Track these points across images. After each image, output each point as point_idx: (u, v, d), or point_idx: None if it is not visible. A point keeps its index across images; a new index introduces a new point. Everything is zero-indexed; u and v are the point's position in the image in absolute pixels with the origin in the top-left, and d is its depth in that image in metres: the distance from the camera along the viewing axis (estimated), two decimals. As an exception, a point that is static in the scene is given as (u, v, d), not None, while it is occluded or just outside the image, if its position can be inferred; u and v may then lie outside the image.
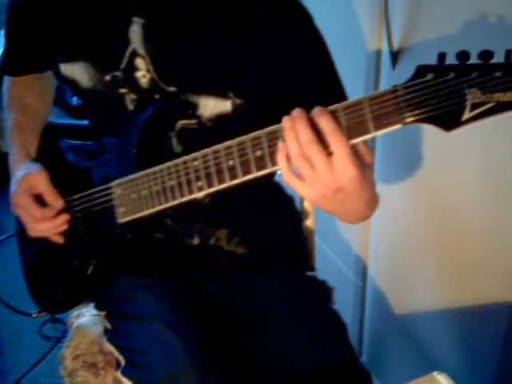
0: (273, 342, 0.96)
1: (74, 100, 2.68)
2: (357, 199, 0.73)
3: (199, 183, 0.80)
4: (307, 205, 1.21)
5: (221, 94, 0.89)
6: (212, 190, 0.79)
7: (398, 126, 0.66)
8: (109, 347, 0.98)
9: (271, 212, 1.08)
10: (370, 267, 1.57)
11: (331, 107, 0.69)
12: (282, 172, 0.71)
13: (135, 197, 0.88)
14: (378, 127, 0.67)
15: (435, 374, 0.79)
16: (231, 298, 1.02)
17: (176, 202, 0.84)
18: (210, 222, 0.99)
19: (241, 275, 1.03)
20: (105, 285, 1.01)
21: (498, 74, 0.61)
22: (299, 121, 0.69)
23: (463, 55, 0.63)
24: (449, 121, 0.64)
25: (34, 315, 1.14)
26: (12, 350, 1.97)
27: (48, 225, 0.96)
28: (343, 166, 0.67)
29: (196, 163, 0.79)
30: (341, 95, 0.92)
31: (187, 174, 0.81)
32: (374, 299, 1.58)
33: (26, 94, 1.10)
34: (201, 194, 0.81)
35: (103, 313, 1.03)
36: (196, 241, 1.00)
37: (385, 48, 1.27)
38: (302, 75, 0.90)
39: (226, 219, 1.00)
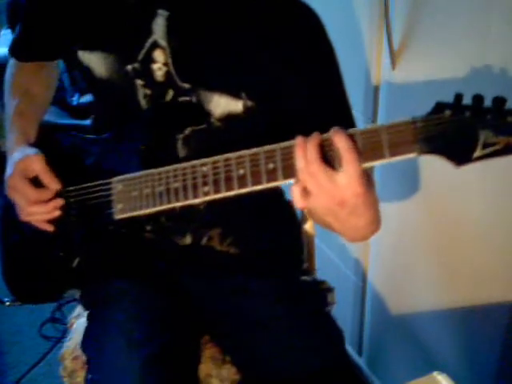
0: (265, 349, 0.96)
1: (74, 100, 2.68)
2: (360, 217, 0.76)
3: (206, 188, 0.80)
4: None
5: (234, 93, 0.90)
6: (218, 196, 0.79)
7: (412, 155, 0.71)
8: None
9: (267, 214, 1.07)
10: (370, 267, 1.57)
11: (349, 130, 0.72)
12: (294, 196, 0.74)
13: (136, 195, 0.87)
14: (393, 154, 0.71)
15: (435, 373, 0.79)
16: (223, 304, 1.01)
17: (178, 205, 0.83)
18: (204, 221, 0.99)
19: (233, 279, 1.01)
20: (89, 280, 1.01)
21: (510, 119, 0.65)
22: (310, 140, 0.72)
23: (478, 98, 0.67)
24: (460, 156, 0.68)
25: (8, 304, 1.12)
26: (12, 350, 1.97)
27: (42, 208, 0.94)
28: (349, 182, 0.70)
29: (205, 169, 0.80)
30: (345, 109, 0.94)
31: (194, 178, 0.81)
32: (373, 299, 1.58)
33: (32, 82, 1.09)
34: (206, 199, 0.80)
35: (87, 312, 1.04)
36: (188, 240, 0.99)
37: (385, 48, 1.27)
38: (311, 86, 0.91)
39: (219, 219, 1.00)
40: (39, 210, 0.94)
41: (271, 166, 0.75)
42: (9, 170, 0.96)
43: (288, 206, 1.11)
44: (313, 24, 0.92)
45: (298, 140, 0.73)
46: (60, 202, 0.94)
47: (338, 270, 1.71)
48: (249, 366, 1.00)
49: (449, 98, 0.68)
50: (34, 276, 1.05)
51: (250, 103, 0.90)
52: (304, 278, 1.06)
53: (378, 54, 1.32)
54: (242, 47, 0.90)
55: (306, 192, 0.73)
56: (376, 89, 1.37)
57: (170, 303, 0.99)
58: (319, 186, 0.72)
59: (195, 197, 0.81)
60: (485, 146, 0.67)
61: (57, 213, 0.95)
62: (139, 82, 0.93)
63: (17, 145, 0.99)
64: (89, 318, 1.03)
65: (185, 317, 1.00)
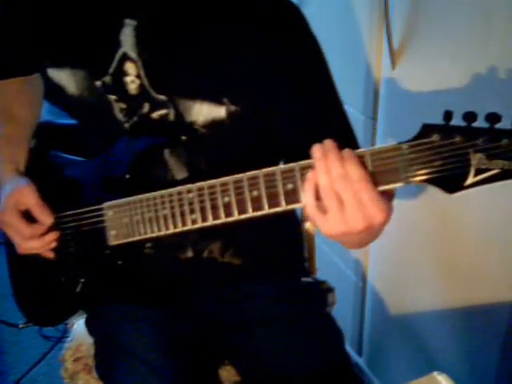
0: (265, 349, 0.96)
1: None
2: (376, 236, 0.74)
3: (193, 216, 0.78)
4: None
5: (215, 99, 0.86)
6: (206, 224, 0.78)
7: (398, 184, 0.66)
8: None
9: (267, 219, 1.05)
10: (370, 267, 1.57)
11: None
12: (307, 204, 0.69)
13: (127, 221, 0.86)
14: (378, 183, 0.66)
15: (435, 374, 0.79)
16: (225, 309, 1.00)
17: (169, 232, 0.82)
18: (203, 234, 0.95)
19: (237, 288, 1.01)
20: (94, 303, 1.00)
21: (505, 141, 0.60)
22: (331, 153, 0.67)
23: (470, 116, 0.62)
24: (451, 184, 0.64)
25: (21, 326, 1.12)
26: (12, 350, 1.97)
27: (37, 243, 0.92)
28: (373, 211, 0.66)
29: (190, 195, 0.78)
30: (339, 110, 0.91)
31: (181, 205, 0.79)
32: (374, 299, 1.58)
33: (14, 103, 1.04)
34: (195, 227, 0.79)
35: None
36: (190, 253, 0.97)
37: (385, 48, 1.27)
38: (297, 85, 0.87)
39: (219, 230, 0.93)
40: (35, 245, 0.93)
41: (255, 193, 0.73)
42: (1, 204, 0.93)
43: None
44: (295, 21, 0.88)
45: (317, 152, 0.67)
46: (55, 234, 0.92)
47: (338, 270, 1.71)
48: (248, 366, 1.00)
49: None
50: (42, 301, 1.04)
51: (233, 108, 0.86)
52: (304, 278, 1.06)
53: (378, 53, 1.32)
54: (219, 51, 0.86)
55: (321, 207, 0.67)
56: (376, 89, 1.37)
57: (179, 321, 0.98)
58: (343, 207, 0.66)
59: (184, 224, 0.80)
60: (477, 172, 0.62)
61: (53, 244, 0.94)
62: (112, 96, 0.89)
63: (7, 175, 0.97)
64: (99, 342, 1.02)
65: (198, 337, 0.99)
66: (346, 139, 0.84)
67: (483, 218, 1.09)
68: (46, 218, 0.92)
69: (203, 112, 0.87)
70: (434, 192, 1.25)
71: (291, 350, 0.95)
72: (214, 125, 0.88)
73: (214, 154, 0.91)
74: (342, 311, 1.06)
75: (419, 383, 0.78)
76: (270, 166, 0.73)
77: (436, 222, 1.25)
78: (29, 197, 0.91)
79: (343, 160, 0.66)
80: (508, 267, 1.05)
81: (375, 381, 1.65)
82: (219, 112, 0.87)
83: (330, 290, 1.08)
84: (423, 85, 1.18)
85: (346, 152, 0.67)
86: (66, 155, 1.01)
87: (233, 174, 0.75)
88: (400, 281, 1.44)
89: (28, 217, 0.92)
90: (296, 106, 0.87)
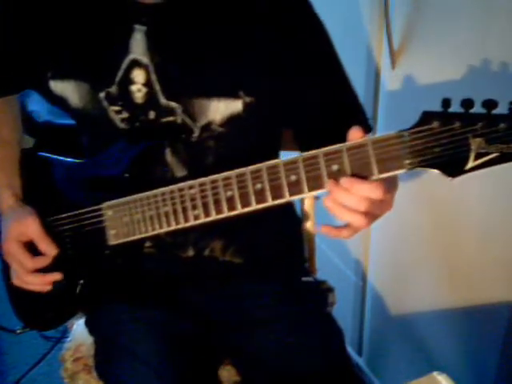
0: (265, 348, 0.96)
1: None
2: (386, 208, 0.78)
3: (196, 212, 0.79)
4: (307, 207, 1.21)
5: (231, 94, 0.87)
6: (208, 219, 0.78)
7: (402, 171, 0.68)
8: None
9: (268, 218, 1.01)
10: (370, 267, 1.57)
11: (335, 147, 0.70)
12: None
13: (127, 220, 0.86)
14: (381, 170, 0.69)
15: (435, 374, 0.79)
16: (225, 309, 1.00)
17: (171, 229, 0.82)
18: (204, 232, 0.95)
19: (238, 287, 1.01)
20: (94, 305, 1.00)
21: (502, 125, 0.62)
22: (336, 189, 0.71)
23: (467, 103, 0.64)
24: (453, 168, 0.66)
25: (19, 331, 1.11)
26: (12, 350, 1.97)
27: (38, 279, 0.93)
28: (384, 212, 0.76)
29: (192, 191, 0.78)
30: (349, 93, 0.93)
31: (183, 201, 0.80)
32: (373, 299, 1.58)
33: (2, 124, 1.03)
34: (197, 223, 0.79)
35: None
36: (191, 252, 0.98)
37: (385, 48, 1.27)
38: (307, 74, 0.90)
39: (220, 229, 0.94)
40: (35, 281, 0.93)
41: (259, 186, 0.74)
42: (3, 235, 0.94)
43: (288, 205, 1.10)
44: (300, 7, 0.89)
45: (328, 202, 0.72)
46: (57, 276, 0.93)
47: (338, 270, 1.71)
48: (248, 366, 1.00)
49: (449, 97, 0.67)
50: (41, 305, 1.03)
51: (248, 99, 0.87)
52: (305, 278, 1.06)
53: (378, 54, 1.32)
54: (231, 47, 0.87)
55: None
56: (376, 89, 1.37)
57: (179, 321, 0.98)
58: (356, 215, 0.73)
59: (186, 221, 0.80)
60: (477, 156, 0.64)
61: (49, 287, 0.94)
62: (114, 108, 0.89)
63: (6, 202, 0.97)
64: (99, 342, 1.02)
65: (198, 337, 0.98)
66: (357, 121, 0.84)
67: (483, 218, 1.09)
68: (49, 249, 0.92)
69: (220, 110, 0.87)
70: (434, 192, 1.25)
71: (291, 350, 0.94)
72: (231, 120, 0.88)
73: (223, 152, 0.91)
74: (342, 311, 1.06)
75: (419, 383, 0.78)
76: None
77: (436, 222, 1.25)
78: (32, 229, 0.92)
79: (349, 190, 0.70)
80: (508, 267, 1.05)
81: (375, 381, 1.65)
82: (236, 106, 0.87)
83: (330, 289, 1.08)
84: (423, 85, 1.18)
85: (348, 183, 0.70)
86: (59, 157, 1.00)
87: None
88: (400, 281, 1.44)
89: (31, 249, 0.92)
90: (306, 91, 0.89)
